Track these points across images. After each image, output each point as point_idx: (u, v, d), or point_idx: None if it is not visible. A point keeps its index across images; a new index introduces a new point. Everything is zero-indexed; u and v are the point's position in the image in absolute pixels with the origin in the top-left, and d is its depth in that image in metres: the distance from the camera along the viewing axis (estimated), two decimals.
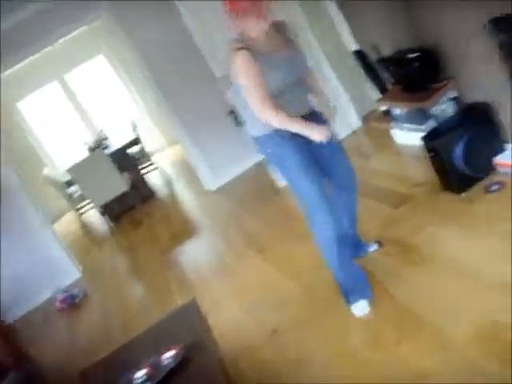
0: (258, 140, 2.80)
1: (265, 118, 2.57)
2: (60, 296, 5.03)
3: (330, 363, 2.43)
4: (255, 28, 2.56)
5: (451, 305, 2.34)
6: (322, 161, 2.78)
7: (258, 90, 2.54)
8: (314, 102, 2.82)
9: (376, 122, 5.20)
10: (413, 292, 2.58)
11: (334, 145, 2.81)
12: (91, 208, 7.23)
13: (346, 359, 2.39)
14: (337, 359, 2.42)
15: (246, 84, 2.57)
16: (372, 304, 2.67)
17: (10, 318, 5.08)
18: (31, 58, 6.36)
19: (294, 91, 2.69)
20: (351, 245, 3.03)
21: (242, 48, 2.54)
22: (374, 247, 3.14)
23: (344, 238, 2.84)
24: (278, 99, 2.60)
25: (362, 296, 2.70)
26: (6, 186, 5.51)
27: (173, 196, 7.03)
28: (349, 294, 2.74)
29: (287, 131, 2.63)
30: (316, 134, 2.58)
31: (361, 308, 2.68)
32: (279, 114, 2.55)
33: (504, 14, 2.62)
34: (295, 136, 2.65)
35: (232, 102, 5.03)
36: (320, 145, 2.64)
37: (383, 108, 4.76)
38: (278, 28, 2.73)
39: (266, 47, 2.60)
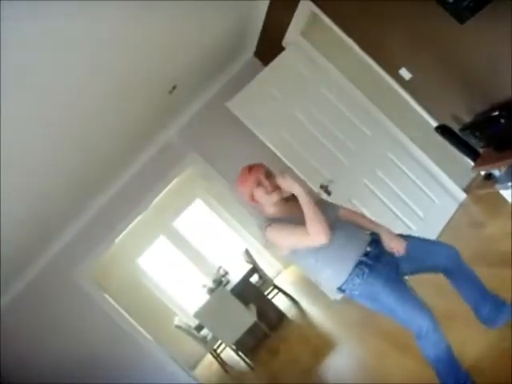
0: (344, 291, 2.72)
1: (318, 237, 2.52)
2: None
3: None
4: (267, 204, 2.75)
5: None
6: (414, 261, 2.76)
7: (294, 230, 2.60)
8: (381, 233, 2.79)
9: (480, 189, 5.03)
10: None
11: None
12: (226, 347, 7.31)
13: None
14: None
15: (285, 238, 2.65)
16: None
17: None
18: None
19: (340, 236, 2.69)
20: (497, 309, 2.86)
21: (268, 225, 2.67)
22: None
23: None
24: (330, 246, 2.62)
25: None
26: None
27: (302, 314, 6.97)
28: None
29: (363, 266, 2.62)
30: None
31: None
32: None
33: None
34: (373, 263, 2.64)
35: None
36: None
37: (482, 173, 4.64)
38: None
39: (287, 216, 2.71)
